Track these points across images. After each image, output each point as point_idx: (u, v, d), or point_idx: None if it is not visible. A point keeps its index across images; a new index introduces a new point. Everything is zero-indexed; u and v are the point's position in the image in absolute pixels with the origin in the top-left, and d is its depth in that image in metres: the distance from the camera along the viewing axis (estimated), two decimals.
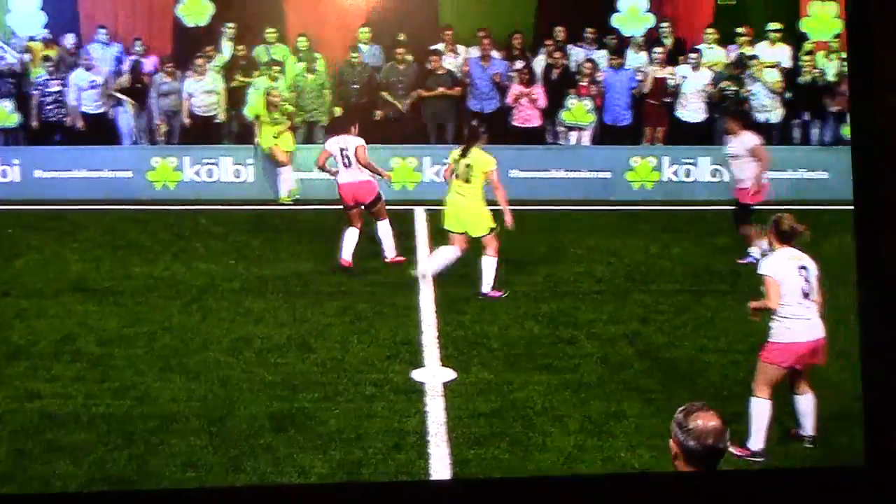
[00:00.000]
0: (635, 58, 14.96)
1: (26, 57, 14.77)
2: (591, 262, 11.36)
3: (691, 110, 14.50)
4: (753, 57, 14.61)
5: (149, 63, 14.94)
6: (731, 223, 11.49)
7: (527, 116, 14.52)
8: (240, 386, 8.04)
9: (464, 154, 9.98)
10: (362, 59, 14.90)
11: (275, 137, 13.85)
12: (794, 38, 15.15)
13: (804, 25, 15.33)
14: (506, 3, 15.76)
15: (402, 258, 11.07)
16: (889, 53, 4.55)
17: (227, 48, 15.02)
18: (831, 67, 14.60)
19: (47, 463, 6.92)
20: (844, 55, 14.58)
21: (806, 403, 7.15)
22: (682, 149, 14.37)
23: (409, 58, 14.76)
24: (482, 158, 9.94)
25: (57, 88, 14.45)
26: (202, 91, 14.45)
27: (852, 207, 4.59)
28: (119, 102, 14.66)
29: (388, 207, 11.29)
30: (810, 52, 14.68)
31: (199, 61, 14.42)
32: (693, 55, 14.63)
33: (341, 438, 7.26)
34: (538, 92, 14.42)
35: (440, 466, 6.93)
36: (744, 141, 11.04)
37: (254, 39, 15.05)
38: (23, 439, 7.23)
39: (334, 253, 10.99)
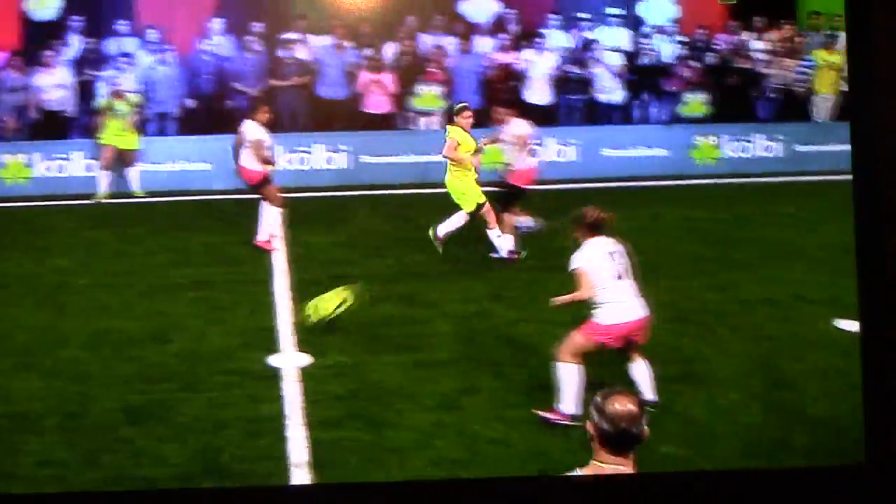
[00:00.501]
0: (482, 43, 15.39)
1: None
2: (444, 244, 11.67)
3: (537, 93, 15.00)
4: (595, 41, 15.24)
5: None
6: (499, 207, 11.53)
7: (377, 102, 14.82)
8: (96, 381, 8.09)
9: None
10: (214, 49, 14.94)
11: (117, 136, 13.81)
12: (632, 22, 15.86)
13: (641, 10, 16.04)
14: None
15: (268, 243, 11.26)
16: (889, 54, 4.58)
17: (76, 41, 14.83)
18: (667, 49, 15.35)
19: None
20: (680, 38, 15.40)
21: (639, 370, 7.51)
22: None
23: (261, 47, 14.86)
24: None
25: None
26: (51, 85, 14.25)
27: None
28: None
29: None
30: (647, 36, 15.43)
31: (48, 55, 14.22)
32: (538, 40, 15.14)
33: (200, 428, 7.40)
34: (388, 78, 14.73)
35: (298, 449, 7.17)
36: (513, 127, 11.37)
37: (104, 32, 14.90)
38: None
39: (187, 245, 11.09)
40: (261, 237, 11.30)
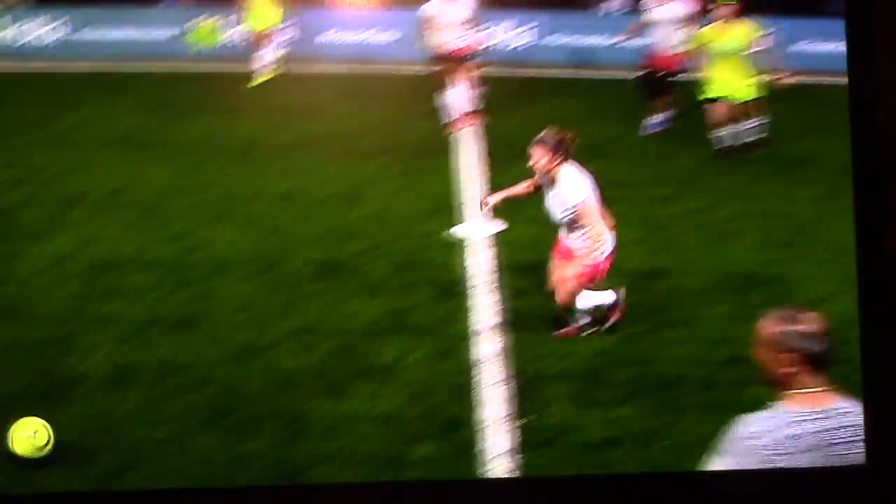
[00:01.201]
0: None
1: None
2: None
3: None
4: None
5: None
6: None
7: None
8: (289, 235, 8.25)
9: None
10: None
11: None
12: None
13: None
14: None
15: (462, 119, 11.18)
16: (889, 53, 4.52)
17: None
18: None
19: (106, 303, 7.20)
20: None
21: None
22: None
23: None
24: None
25: None
26: None
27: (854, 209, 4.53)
28: None
29: None
30: None
31: None
32: None
33: (388, 287, 7.46)
34: None
35: (486, 315, 7.15)
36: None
37: None
38: (79, 283, 7.51)
39: (378, 112, 11.11)
40: (454, 111, 11.20)
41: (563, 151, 6.57)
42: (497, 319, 7.04)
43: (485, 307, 7.21)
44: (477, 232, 8.34)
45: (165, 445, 5.89)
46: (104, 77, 13.42)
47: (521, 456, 5.78)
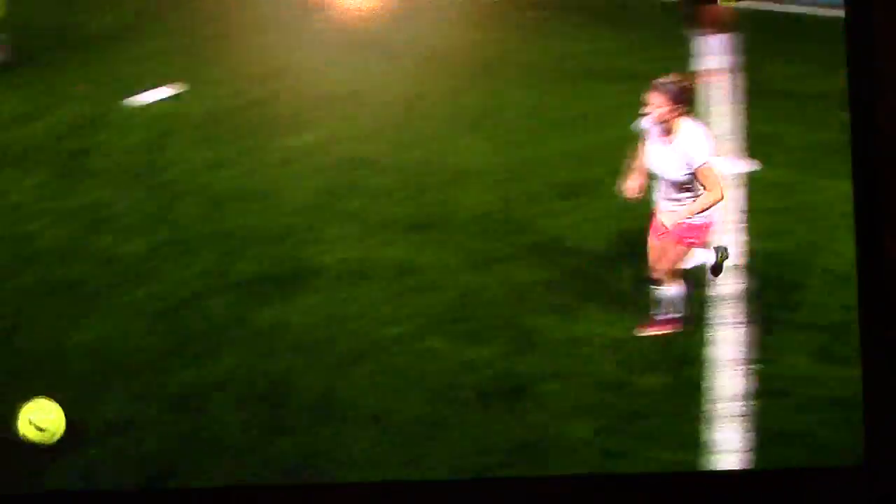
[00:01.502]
0: None
1: None
2: None
3: None
4: None
5: None
6: None
7: None
8: (531, 152, 8.18)
9: None
10: None
11: None
12: None
13: None
14: None
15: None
16: (889, 54, 4.49)
17: None
18: None
19: (349, 200, 7.37)
20: None
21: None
22: None
23: None
24: None
25: None
26: None
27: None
28: None
29: None
30: None
31: None
32: None
33: (630, 214, 7.29)
34: None
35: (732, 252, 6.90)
36: None
37: None
38: (325, 178, 7.70)
39: (626, 40, 10.80)
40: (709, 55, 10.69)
41: (685, 100, 5.85)
42: (741, 260, 6.79)
43: (729, 245, 6.96)
44: (727, 169, 8.02)
45: (397, 344, 6.02)
46: None
47: (752, 402, 5.59)
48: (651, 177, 6.08)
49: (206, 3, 10.52)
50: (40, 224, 7.06)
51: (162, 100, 9.00)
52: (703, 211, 5.90)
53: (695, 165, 5.81)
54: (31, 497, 5.38)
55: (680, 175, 5.88)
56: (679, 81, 5.86)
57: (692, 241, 6.02)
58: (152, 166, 7.80)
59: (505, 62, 10.37)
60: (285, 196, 7.39)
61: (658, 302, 6.18)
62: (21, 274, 6.54)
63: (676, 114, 5.82)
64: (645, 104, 5.89)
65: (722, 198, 5.87)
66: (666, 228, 6.00)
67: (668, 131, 5.89)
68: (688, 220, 5.92)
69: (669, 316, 6.17)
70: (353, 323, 6.13)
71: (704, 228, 6.01)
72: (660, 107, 5.81)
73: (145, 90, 9.17)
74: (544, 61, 10.40)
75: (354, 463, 5.37)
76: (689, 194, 5.93)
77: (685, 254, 6.08)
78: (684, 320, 6.18)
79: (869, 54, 4.62)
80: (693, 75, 6.00)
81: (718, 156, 6.04)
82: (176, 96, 9.01)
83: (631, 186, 6.25)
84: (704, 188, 5.85)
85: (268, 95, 9.02)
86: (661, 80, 5.85)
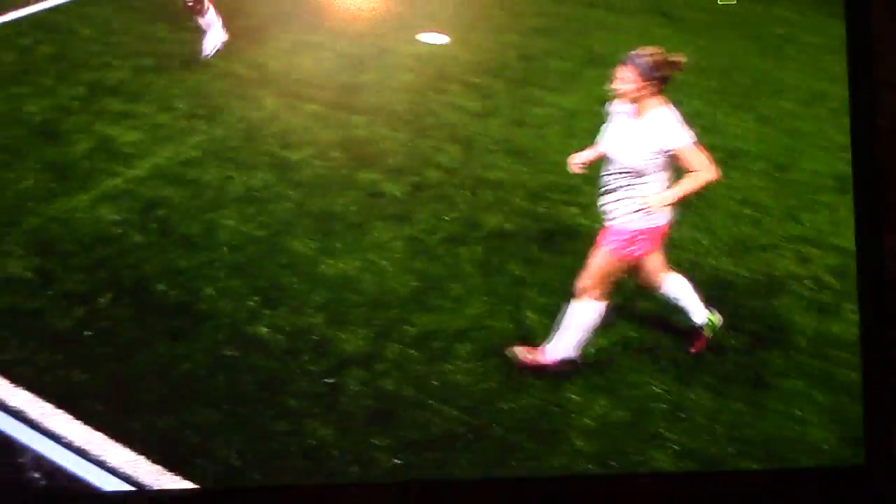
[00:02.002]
0: None
1: None
2: None
3: None
4: None
5: None
6: None
7: None
8: (806, 140, 7.77)
9: None
10: None
11: None
12: None
13: None
14: None
15: None
16: (889, 53, 4.49)
17: None
18: None
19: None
20: None
21: (680, 285, 5.64)
22: None
23: None
24: None
25: None
26: None
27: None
28: None
29: None
30: None
31: None
32: None
33: None
34: None
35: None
36: None
37: None
38: (580, 141, 7.55)
39: None
40: None
41: (657, 78, 5.17)
42: None
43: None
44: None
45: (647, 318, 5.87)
46: None
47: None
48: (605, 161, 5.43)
49: None
50: (309, 152, 7.28)
51: (435, 44, 9.09)
52: (690, 194, 5.23)
53: (671, 147, 5.17)
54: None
55: (641, 161, 5.22)
56: (652, 55, 5.17)
57: (640, 247, 5.36)
58: (420, 109, 7.89)
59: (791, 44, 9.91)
60: (547, 154, 7.31)
61: (563, 325, 5.57)
62: (282, 199, 6.75)
63: (647, 92, 5.19)
64: (613, 79, 5.25)
65: (717, 176, 5.19)
66: (620, 231, 5.34)
67: (637, 111, 5.26)
68: (643, 222, 5.28)
69: (560, 347, 5.59)
70: None
71: (657, 232, 5.36)
72: (629, 82, 5.18)
73: (420, 33, 9.29)
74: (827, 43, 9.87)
75: None
76: (642, 184, 5.27)
77: (629, 264, 5.43)
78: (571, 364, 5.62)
79: (869, 54, 4.56)
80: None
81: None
82: (447, 43, 9.09)
83: (580, 158, 5.63)
84: (690, 170, 5.18)
85: (538, 52, 8.96)
86: (632, 52, 5.20)
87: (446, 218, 6.55)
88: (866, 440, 4.64)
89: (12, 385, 5.48)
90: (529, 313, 5.91)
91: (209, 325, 5.74)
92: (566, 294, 5.57)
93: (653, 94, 5.19)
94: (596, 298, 5.42)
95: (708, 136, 7.69)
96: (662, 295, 5.63)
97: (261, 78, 8.36)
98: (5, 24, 9.41)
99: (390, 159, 7.21)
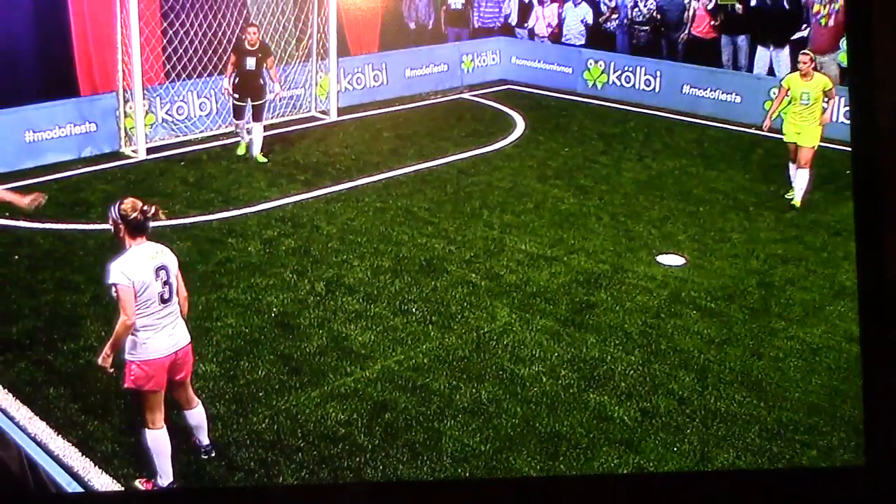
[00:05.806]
0: None
1: None
2: None
3: None
4: None
5: None
6: None
7: None
8: None
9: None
10: None
11: None
12: None
13: None
14: None
15: None
16: (889, 53, 4.48)
17: None
18: None
19: None
20: None
21: (197, 416, 6.08)
22: None
23: None
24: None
25: None
26: None
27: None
28: None
29: None
30: None
31: None
32: None
33: None
34: None
35: None
36: None
37: None
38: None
39: None
40: None
41: (127, 226, 5.60)
42: None
43: None
44: None
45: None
46: None
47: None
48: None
49: None
50: (538, 369, 7.15)
51: (673, 266, 8.93)
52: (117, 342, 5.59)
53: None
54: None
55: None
56: (134, 209, 5.58)
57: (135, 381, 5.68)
58: (654, 332, 7.68)
59: None
60: (788, 389, 6.91)
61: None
62: (508, 415, 6.59)
63: (128, 239, 5.62)
64: None
65: (128, 324, 5.53)
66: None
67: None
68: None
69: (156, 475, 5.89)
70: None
71: (128, 368, 5.67)
72: (117, 231, 5.66)
73: (659, 254, 9.18)
74: None
75: None
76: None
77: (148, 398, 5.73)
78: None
79: (869, 54, 4.61)
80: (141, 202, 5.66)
81: None
82: (684, 266, 8.91)
83: None
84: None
85: (780, 280, 8.66)
86: (116, 205, 5.62)
87: (675, 450, 6.19)
88: (866, 440, 4.65)
89: None
90: None
91: None
92: None
93: (127, 240, 5.61)
94: (158, 427, 5.80)
95: None
96: None
97: (496, 288, 8.39)
98: (252, 214, 9.93)
99: (621, 382, 6.98)
